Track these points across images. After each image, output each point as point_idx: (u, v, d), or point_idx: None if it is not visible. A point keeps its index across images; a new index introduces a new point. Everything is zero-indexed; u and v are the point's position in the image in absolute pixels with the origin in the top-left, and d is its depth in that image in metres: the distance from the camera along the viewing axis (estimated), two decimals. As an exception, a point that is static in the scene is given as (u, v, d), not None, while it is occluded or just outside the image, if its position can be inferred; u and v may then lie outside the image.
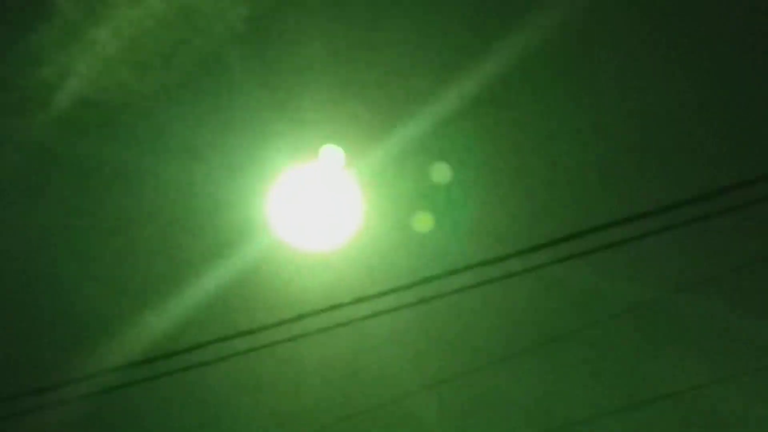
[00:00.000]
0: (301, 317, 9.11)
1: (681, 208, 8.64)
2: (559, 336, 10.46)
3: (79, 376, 9.82)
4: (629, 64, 9.52)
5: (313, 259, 10.03)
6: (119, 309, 10.15)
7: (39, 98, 9.13)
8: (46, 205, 9.83)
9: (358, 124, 9.48)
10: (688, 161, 9.89)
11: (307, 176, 9.70)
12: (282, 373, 10.40)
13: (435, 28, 9.27)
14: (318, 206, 9.81)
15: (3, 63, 8.95)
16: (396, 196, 9.84)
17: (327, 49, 9.22)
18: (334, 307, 9.19)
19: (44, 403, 9.82)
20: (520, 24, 9.09)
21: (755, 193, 8.59)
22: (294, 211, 9.78)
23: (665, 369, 10.81)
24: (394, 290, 9.16)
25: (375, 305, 9.18)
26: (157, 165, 9.59)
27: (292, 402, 10.69)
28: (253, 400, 10.70)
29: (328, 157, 9.53)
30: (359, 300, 9.16)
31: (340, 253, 10.02)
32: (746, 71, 9.58)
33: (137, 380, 9.51)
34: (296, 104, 9.38)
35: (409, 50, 9.33)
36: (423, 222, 9.97)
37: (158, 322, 9.98)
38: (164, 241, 10.02)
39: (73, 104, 9.15)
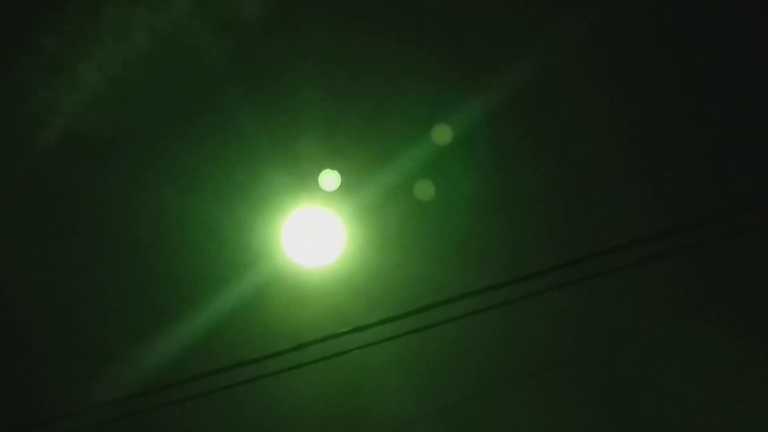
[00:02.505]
0: (298, 347, 9.07)
1: (673, 235, 8.67)
2: (556, 363, 10.47)
3: (79, 409, 9.75)
4: (622, 87, 9.59)
5: (308, 286, 10.02)
6: (114, 341, 10.11)
7: (26, 133, 9.11)
8: (37, 238, 9.79)
9: (353, 153, 9.51)
10: (682, 190, 9.94)
11: (302, 203, 9.70)
12: (280, 404, 10.37)
13: (426, 62, 9.31)
14: (312, 232, 9.79)
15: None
16: (389, 223, 9.85)
17: (313, 80, 9.24)
18: (330, 337, 9.15)
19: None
20: (506, 65, 9.16)
21: (741, 222, 8.64)
22: (289, 237, 9.78)
23: (660, 393, 10.83)
24: (390, 319, 9.11)
25: (372, 335, 9.15)
26: (145, 196, 9.57)
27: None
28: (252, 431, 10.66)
29: (324, 182, 9.55)
30: (356, 329, 9.13)
31: (335, 279, 10.01)
32: (732, 102, 9.67)
33: (135, 412, 9.43)
34: (286, 134, 9.39)
35: (401, 84, 9.36)
36: (418, 248, 9.99)
37: (156, 354, 9.94)
38: (156, 273, 9.99)
39: (60, 138, 9.12)
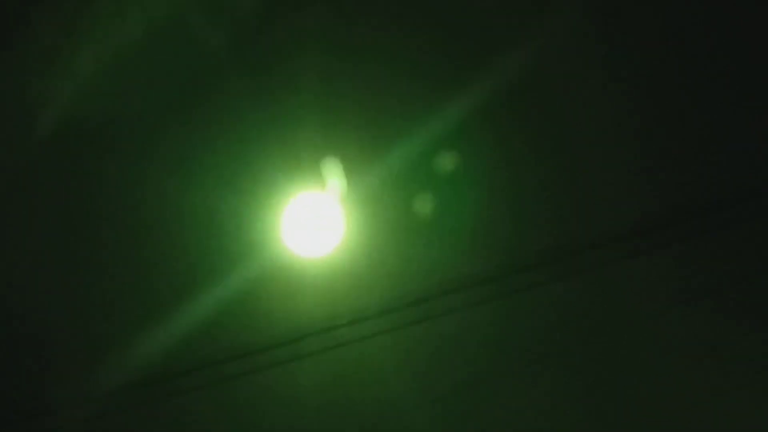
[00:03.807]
0: (297, 339, 9.02)
1: (672, 225, 8.67)
2: (554, 353, 10.43)
3: (73, 401, 9.67)
4: (620, 77, 9.48)
5: (307, 276, 9.90)
6: (111, 332, 9.98)
7: (22, 123, 8.96)
8: (34, 227, 9.62)
9: (353, 141, 9.40)
10: (682, 176, 9.87)
11: (301, 192, 9.59)
12: (279, 395, 10.27)
13: (426, 50, 9.20)
14: (311, 222, 9.68)
15: (-18, 88, 8.76)
16: (389, 213, 9.74)
17: (312, 67, 9.11)
18: (330, 328, 9.11)
19: (37, 429, 9.67)
20: (505, 54, 9.05)
21: (741, 211, 8.65)
22: (287, 226, 9.66)
23: (659, 386, 10.79)
24: (390, 311, 9.10)
25: (372, 326, 9.12)
26: (143, 185, 9.38)
27: (289, 425, 10.59)
28: (250, 424, 10.58)
29: (324, 171, 9.44)
30: (356, 320, 9.09)
31: (334, 269, 9.90)
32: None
33: (131, 404, 9.37)
34: (285, 121, 9.25)
35: (401, 72, 9.24)
36: (418, 239, 9.90)
37: (153, 345, 9.83)
38: (153, 263, 9.84)
39: (56, 128, 8.98)
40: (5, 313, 9.92)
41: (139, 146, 9.19)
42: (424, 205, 9.69)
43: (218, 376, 9.05)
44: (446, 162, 9.57)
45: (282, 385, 10.00)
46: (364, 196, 9.54)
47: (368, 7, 8.89)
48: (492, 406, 10.69)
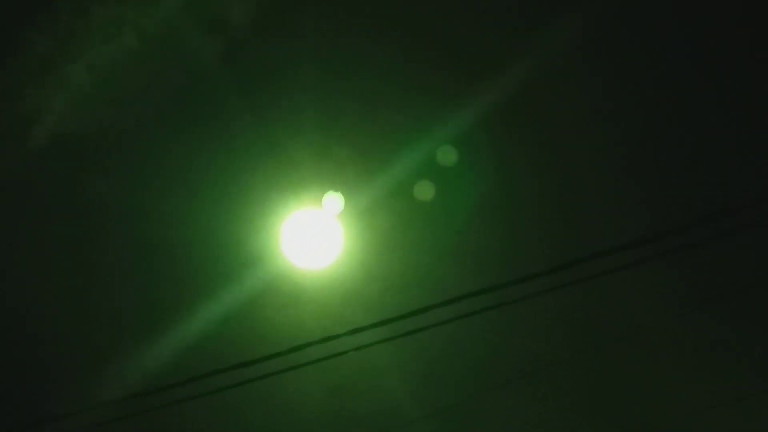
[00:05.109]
0: (296, 349, 9.05)
1: (666, 237, 8.63)
2: (555, 363, 10.41)
3: (78, 409, 9.73)
4: (614, 92, 9.49)
5: (306, 287, 9.97)
6: (114, 343, 10.05)
7: (16, 132, 9.02)
8: (30, 237, 9.66)
9: (350, 158, 9.46)
10: (685, 188, 9.85)
11: (300, 206, 9.66)
12: (278, 404, 10.33)
13: (422, 66, 9.23)
14: (310, 234, 9.75)
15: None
16: (386, 226, 9.79)
17: (307, 81, 9.12)
18: (328, 339, 9.14)
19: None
20: (501, 69, 9.07)
21: (748, 219, 8.61)
22: (287, 239, 9.73)
23: (653, 395, 10.77)
24: (387, 321, 9.09)
25: (369, 336, 9.14)
26: (140, 197, 9.42)
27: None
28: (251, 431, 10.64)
29: (322, 185, 9.51)
30: (353, 331, 9.11)
31: (333, 281, 9.97)
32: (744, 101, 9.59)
33: (135, 413, 9.42)
34: (283, 135, 9.26)
35: (396, 87, 9.27)
36: (415, 251, 9.96)
37: (156, 355, 9.91)
38: (154, 275, 9.90)
39: (49, 139, 9.05)
40: (9, 323, 10.01)
41: (133, 158, 9.21)
42: (420, 218, 9.75)
43: (219, 386, 9.09)
44: (442, 178, 9.62)
45: (281, 393, 10.05)
46: (362, 211, 9.60)
47: (361, 23, 8.92)
48: (488, 417, 10.71)
